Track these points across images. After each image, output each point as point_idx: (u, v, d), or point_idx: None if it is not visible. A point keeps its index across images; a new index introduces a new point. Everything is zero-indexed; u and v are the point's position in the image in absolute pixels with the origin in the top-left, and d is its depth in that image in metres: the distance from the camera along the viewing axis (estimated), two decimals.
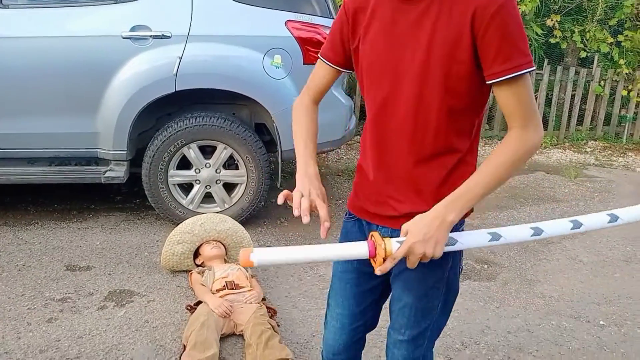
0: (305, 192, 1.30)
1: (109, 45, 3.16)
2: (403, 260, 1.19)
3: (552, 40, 6.49)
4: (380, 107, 1.27)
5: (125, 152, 3.31)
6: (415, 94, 1.20)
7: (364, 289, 1.49)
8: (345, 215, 1.50)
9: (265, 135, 3.69)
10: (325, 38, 3.34)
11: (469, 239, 1.26)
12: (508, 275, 3.14)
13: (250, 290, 2.58)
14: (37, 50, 3.14)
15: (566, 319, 2.69)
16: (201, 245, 2.89)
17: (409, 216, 1.21)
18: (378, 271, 1.18)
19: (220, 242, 2.91)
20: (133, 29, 3.16)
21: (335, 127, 3.65)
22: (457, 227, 1.28)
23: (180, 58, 3.19)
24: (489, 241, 1.24)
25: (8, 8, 3.15)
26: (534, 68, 1.17)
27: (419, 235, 1.15)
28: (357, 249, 1.22)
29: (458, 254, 1.38)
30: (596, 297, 2.93)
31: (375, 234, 1.21)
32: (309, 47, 3.32)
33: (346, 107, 3.67)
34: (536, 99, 6.28)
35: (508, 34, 1.10)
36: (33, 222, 3.49)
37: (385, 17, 1.22)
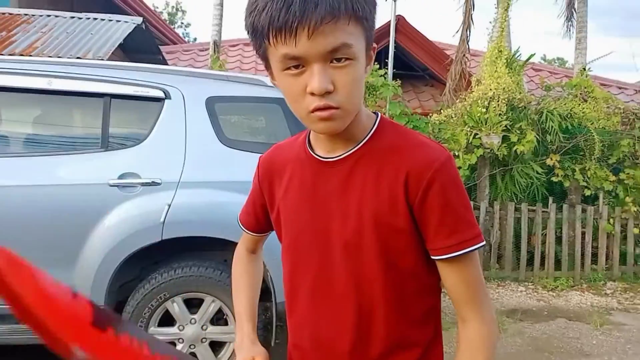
0: None
1: (93, 193, 3.00)
2: None
3: (554, 179, 6.44)
4: (311, 292, 1.04)
5: (102, 306, 2.98)
6: (351, 272, 0.99)
7: None
8: None
9: None
10: None
11: None
12: None
13: None
14: (20, 199, 2.98)
15: None
16: None
17: None
18: None
19: None
20: (121, 176, 3.02)
21: None
22: None
23: (169, 205, 3.01)
24: None
25: None
26: (484, 243, 0.97)
27: None
28: None
29: None
30: None
31: None
32: None
33: None
34: (545, 237, 6.15)
35: (449, 203, 0.93)
36: None
37: (306, 183, 1.04)
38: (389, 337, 0.99)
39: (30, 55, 6.14)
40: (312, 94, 0.87)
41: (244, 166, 3.22)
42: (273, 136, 3.50)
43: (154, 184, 3.04)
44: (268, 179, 1.13)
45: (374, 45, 0.97)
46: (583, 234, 6.24)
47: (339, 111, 0.89)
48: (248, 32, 0.91)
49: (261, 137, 3.68)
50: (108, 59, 6.14)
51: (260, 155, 1.19)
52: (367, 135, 0.99)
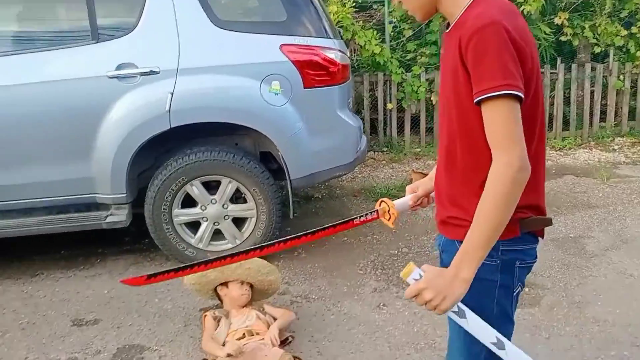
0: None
1: (95, 87, 3.02)
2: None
3: (563, 38, 6.25)
4: (439, 126, 1.37)
5: (124, 194, 3.13)
6: (445, 120, 1.30)
7: None
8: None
9: (272, 163, 3.49)
10: (324, 59, 3.16)
11: (476, 325, 1.22)
12: (553, 299, 2.86)
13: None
14: (22, 98, 3.00)
15: (628, 348, 2.40)
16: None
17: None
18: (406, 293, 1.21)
19: (251, 286, 2.64)
20: (119, 67, 3.00)
21: (346, 150, 3.44)
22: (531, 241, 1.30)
23: (172, 93, 3.02)
24: (491, 343, 1.20)
25: None
26: (506, 92, 1.11)
27: (430, 283, 1.18)
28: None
29: (512, 269, 1.29)
30: None
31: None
32: (308, 70, 3.12)
33: (355, 128, 3.45)
34: (553, 98, 6.11)
35: (479, 57, 1.13)
36: (39, 272, 3.32)
37: (443, 48, 1.34)
38: (463, 158, 1.25)
39: None
40: None
41: (241, 48, 3.19)
42: (268, 15, 3.39)
43: (152, 72, 3.02)
44: None
45: None
46: (592, 93, 6.18)
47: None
48: None
49: (256, 17, 3.56)
50: None
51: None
52: (459, 13, 1.22)
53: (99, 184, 3.11)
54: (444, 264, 1.35)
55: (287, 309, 2.63)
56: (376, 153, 5.64)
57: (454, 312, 1.20)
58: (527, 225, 1.26)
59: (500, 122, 1.13)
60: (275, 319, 2.49)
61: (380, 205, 1.61)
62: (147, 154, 3.23)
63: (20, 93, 3.01)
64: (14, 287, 3.15)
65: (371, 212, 1.62)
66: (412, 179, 4.63)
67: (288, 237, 1.57)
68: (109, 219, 3.14)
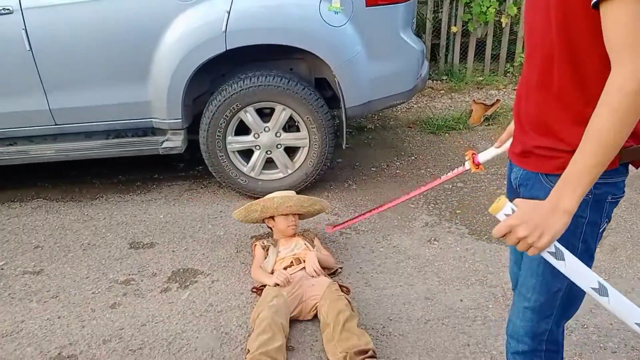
0: None
1: (151, 5, 2.92)
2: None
3: None
4: (526, 44, 1.22)
5: (180, 120, 3.12)
6: (542, 21, 1.11)
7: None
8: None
9: (327, 91, 3.37)
10: None
11: (575, 268, 1.06)
12: (617, 239, 2.71)
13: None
14: (76, 17, 2.95)
15: None
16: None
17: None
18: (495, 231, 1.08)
19: (298, 215, 2.67)
20: None
21: (407, 76, 3.25)
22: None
23: (229, 12, 2.90)
24: (591, 288, 1.06)
25: None
26: None
27: (524, 217, 1.04)
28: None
29: (602, 204, 1.15)
30: None
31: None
32: None
33: (418, 52, 3.24)
34: None
35: None
36: (98, 196, 3.43)
37: None
38: (562, 78, 1.09)
39: None
40: None
41: None
42: None
43: None
44: None
45: None
46: None
47: None
48: None
49: None
50: None
51: None
52: None
53: (156, 109, 3.11)
54: (523, 197, 1.23)
55: (331, 255, 2.57)
56: (435, 82, 5.36)
57: (550, 252, 1.06)
58: (628, 155, 1.10)
59: (626, 24, 0.95)
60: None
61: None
62: (202, 78, 3.18)
63: (73, 12, 2.94)
64: (75, 209, 3.28)
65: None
66: (472, 110, 4.40)
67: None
68: (165, 145, 3.15)
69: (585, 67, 1.07)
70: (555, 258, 1.06)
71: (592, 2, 0.98)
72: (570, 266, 1.06)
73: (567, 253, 1.06)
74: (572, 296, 1.25)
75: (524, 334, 1.30)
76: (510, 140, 1.36)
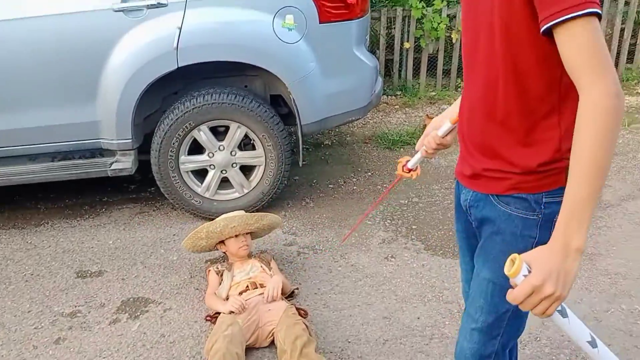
0: None
1: (98, 21, 2.81)
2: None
3: None
4: (465, 64, 1.19)
5: (130, 140, 3.00)
6: (485, 47, 1.10)
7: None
8: None
9: (282, 108, 3.32)
10: None
11: (575, 325, 0.99)
12: None
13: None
14: (17, 34, 2.80)
15: (639, 302, 2.31)
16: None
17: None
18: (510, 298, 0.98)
19: (251, 235, 2.60)
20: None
21: (361, 92, 3.24)
22: None
23: (180, 29, 2.82)
24: (586, 342, 1.00)
25: None
26: (590, 10, 0.93)
27: (544, 273, 0.94)
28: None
29: (551, 223, 1.10)
30: None
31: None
32: (324, 2, 2.87)
33: (371, 69, 3.23)
34: None
35: None
36: (43, 222, 3.25)
37: None
38: (507, 104, 1.08)
39: None
40: None
41: None
42: None
43: (160, 5, 2.81)
44: None
45: None
46: (622, 30, 5.82)
47: None
48: None
49: None
50: None
51: None
52: None
53: (104, 129, 2.97)
54: (474, 218, 1.24)
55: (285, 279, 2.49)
56: (389, 97, 5.40)
57: (557, 310, 0.97)
58: None
59: (587, 45, 0.94)
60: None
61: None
62: (153, 96, 3.07)
63: (17, 29, 2.80)
64: (17, 237, 3.09)
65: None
66: (425, 124, 4.44)
67: None
68: (114, 166, 3.02)
69: (531, 92, 1.06)
70: (561, 315, 0.99)
71: (542, 29, 0.96)
72: (573, 322, 0.99)
73: (568, 309, 1.01)
74: (518, 316, 1.24)
75: (471, 356, 1.27)
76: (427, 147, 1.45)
